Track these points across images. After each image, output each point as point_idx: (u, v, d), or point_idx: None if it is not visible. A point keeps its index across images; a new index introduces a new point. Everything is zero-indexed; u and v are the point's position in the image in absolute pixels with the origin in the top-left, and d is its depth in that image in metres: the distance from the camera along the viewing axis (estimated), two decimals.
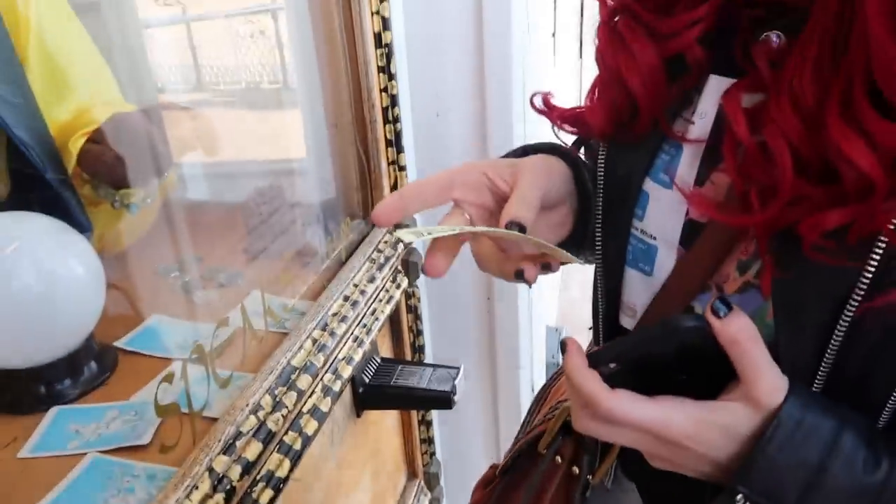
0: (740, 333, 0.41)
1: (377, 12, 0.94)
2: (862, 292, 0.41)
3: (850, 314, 0.41)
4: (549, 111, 0.60)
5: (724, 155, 0.45)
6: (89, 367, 0.76)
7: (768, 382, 0.42)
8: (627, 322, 0.58)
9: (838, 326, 0.42)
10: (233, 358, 0.76)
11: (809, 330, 0.43)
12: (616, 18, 0.52)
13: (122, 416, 0.71)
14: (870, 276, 0.40)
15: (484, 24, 1.13)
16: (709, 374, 0.44)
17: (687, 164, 0.50)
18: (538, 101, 0.61)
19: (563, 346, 0.46)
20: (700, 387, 0.44)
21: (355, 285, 0.91)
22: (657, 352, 0.44)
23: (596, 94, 0.55)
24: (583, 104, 0.58)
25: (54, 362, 0.72)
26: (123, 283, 0.92)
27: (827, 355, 0.43)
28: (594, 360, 0.46)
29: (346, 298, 0.88)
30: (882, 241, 0.40)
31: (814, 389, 0.44)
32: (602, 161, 0.55)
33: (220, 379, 0.69)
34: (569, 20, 1.77)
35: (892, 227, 0.39)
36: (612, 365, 0.45)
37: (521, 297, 1.39)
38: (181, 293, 0.98)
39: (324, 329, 0.81)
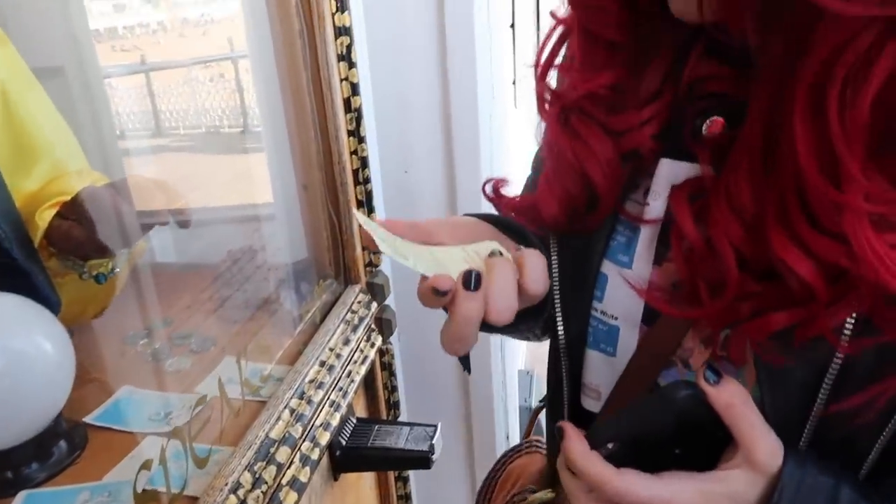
0: (734, 398, 0.43)
1: (346, 79, 0.96)
2: (836, 371, 0.43)
3: (833, 377, 0.43)
4: (499, 201, 0.60)
5: (672, 248, 0.47)
6: (58, 448, 0.74)
7: (767, 445, 0.44)
8: (590, 404, 0.58)
9: (823, 385, 0.44)
10: (210, 431, 0.74)
11: (794, 392, 0.45)
12: (568, 115, 0.53)
13: (94, 498, 0.69)
14: (840, 361, 0.42)
15: (450, 83, 1.16)
16: (705, 445, 0.45)
17: (645, 246, 0.52)
18: (489, 190, 0.61)
19: (560, 431, 0.47)
20: (697, 458, 0.45)
21: (331, 349, 0.91)
22: (656, 425, 0.44)
23: (547, 185, 0.55)
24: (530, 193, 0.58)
25: (21, 445, 0.70)
26: (92, 355, 0.90)
27: (813, 414, 0.45)
28: (592, 441, 0.46)
29: (323, 363, 0.88)
30: (838, 355, 0.42)
31: (801, 446, 0.46)
32: (556, 246, 0.56)
33: (199, 458, 0.68)
34: (528, 71, 1.82)
35: (845, 333, 0.41)
36: (611, 445, 0.46)
37: (492, 343, 1.40)
38: (151, 362, 0.97)
39: (301, 397, 0.81)
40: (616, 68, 0.50)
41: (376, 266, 1.08)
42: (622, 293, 0.53)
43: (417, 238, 0.48)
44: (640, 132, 0.50)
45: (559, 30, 0.54)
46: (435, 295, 0.43)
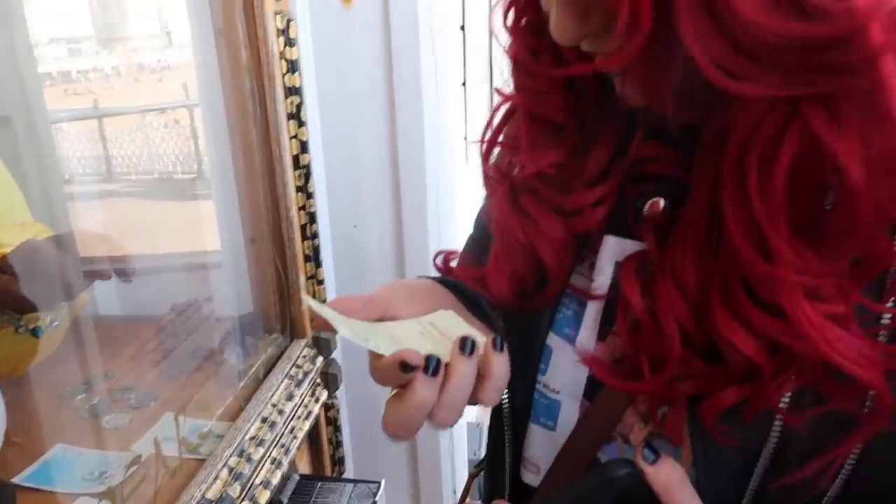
0: (671, 477, 0.41)
1: (295, 136, 0.98)
2: (770, 454, 0.43)
3: (770, 453, 0.43)
4: (449, 273, 0.60)
5: (618, 322, 0.48)
6: None
7: None
8: (530, 478, 0.57)
9: (759, 463, 0.44)
10: (144, 492, 0.73)
11: (732, 472, 0.45)
12: (517, 194, 0.53)
13: None
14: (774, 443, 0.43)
15: (398, 140, 1.19)
16: None
17: (590, 320, 0.52)
18: (440, 262, 0.61)
19: None
20: None
21: (273, 405, 0.90)
22: (596, 503, 0.44)
23: (496, 264, 0.54)
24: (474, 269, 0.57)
25: None
26: (26, 410, 0.88)
27: (749, 492, 0.45)
28: None
29: (265, 420, 0.87)
30: (779, 425, 0.42)
31: None
32: (502, 315, 0.54)
33: None
34: (479, 126, 1.88)
35: (783, 405, 0.42)
36: None
37: None
38: (89, 417, 0.94)
39: (241, 455, 0.80)
40: (563, 148, 0.50)
41: None
42: (565, 367, 0.52)
43: (374, 315, 0.45)
44: (592, 213, 0.50)
45: (505, 107, 0.55)
46: (402, 370, 0.40)
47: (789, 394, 0.42)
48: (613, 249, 0.51)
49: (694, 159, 0.44)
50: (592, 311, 0.52)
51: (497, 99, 0.56)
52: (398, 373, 0.41)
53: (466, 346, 0.42)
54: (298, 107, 0.98)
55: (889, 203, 0.36)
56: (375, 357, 0.43)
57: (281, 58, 0.95)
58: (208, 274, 1.36)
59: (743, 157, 0.38)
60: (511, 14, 0.51)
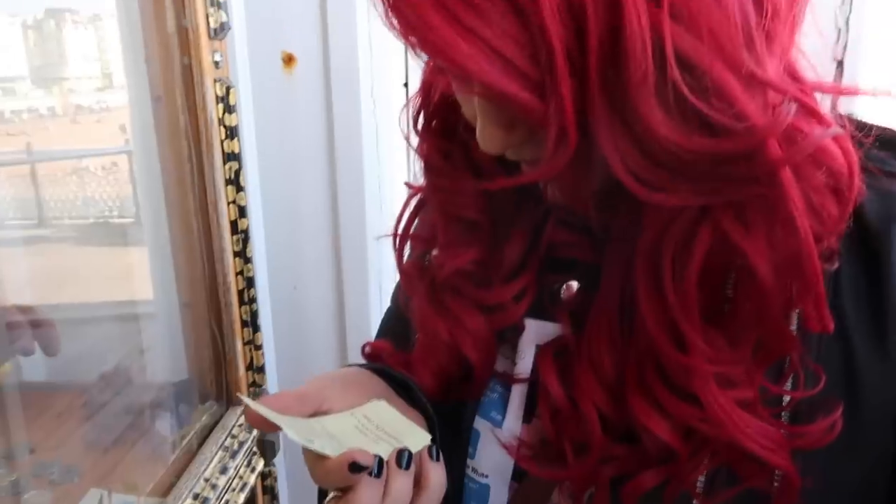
0: None
1: (233, 201, 0.97)
2: None
3: None
4: (377, 362, 0.59)
5: (539, 408, 0.49)
6: None
7: None
8: None
9: None
10: None
11: None
12: (439, 292, 0.53)
13: None
14: None
15: (339, 202, 1.20)
16: None
17: (515, 404, 0.52)
18: (368, 351, 0.61)
19: None
20: None
21: (206, 479, 0.87)
22: None
23: (421, 358, 0.54)
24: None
25: None
26: None
27: None
28: None
29: (196, 496, 0.84)
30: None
31: None
32: (425, 401, 0.54)
33: None
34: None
35: (699, 487, 0.43)
36: None
37: None
38: (8, 495, 0.90)
39: None
40: (479, 245, 0.51)
41: (260, 386, 1.06)
42: (493, 450, 0.52)
43: (309, 410, 0.45)
44: (515, 308, 0.51)
45: (416, 199, 0.56)
46: (351, 471, 0.40)
47: (703, 476, 0.43)
48: (534, 333, 0.52)
49: (605, 247, 0.47)
50: (517, 394, 0.52)
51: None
52: (345, 474, 0.41)
53: (403, 459, 0.42)
54: (237, 172, 0.98)
55: (794, 296, 0.39)
56: (317, 458, 0.42)
57: (220, 124, 0.95)
58: (141, 333, 1.32)
59: (656, 254, 0.40)
60: (421, 117, 0.52)
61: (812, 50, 1.11)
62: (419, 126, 0.53)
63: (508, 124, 0.40)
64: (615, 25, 0.32)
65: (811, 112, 0.36)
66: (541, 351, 0.50)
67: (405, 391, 0.53)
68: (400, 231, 0.57)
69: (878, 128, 0.44)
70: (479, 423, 0.54)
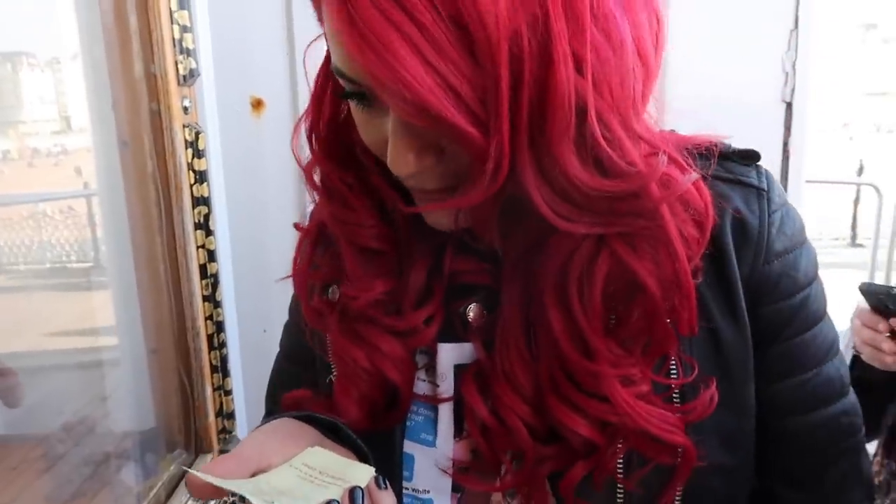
0: None
1: (203, 246, 0.97)
2: None
3: None
4: (295, 408, 0.58)
5: (468, 425, 0.52)
6: None
7: None
8: None
9: None
10: None
11: None
12: (352, 324, 0.54)
13: None
14: None
15: None
16: None
17: (445, 423, 0.55)
18: (290, 404, 0.60)
19: None
20: None
21: None
22: None
23: (343, 392, 0.55)
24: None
25: None
26: None
27: None
28: None
29: None
30: (620, 487, 0.50)
31: None
32: (355, 438, 0.55)
33: None
34: None
35: (619, 472, 0.50)
36: None
37: None
38: None
39: None
40: (387, 275, 0.53)
41: (230, 432, 1.04)
42: (430, 469, 0.55)
43: (250, 471, 0.45)
44: (426, 331, 0.53)
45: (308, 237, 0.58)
46: None
47: (620, 460, 0.50)
48: (449, 354, 0.55)
49: (501, 273, 0.51)
50: (445, 414, 0.55)
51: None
52: None
53: (357, 497, 0.44)
54: (206, 216, 0.98)
55: (675, 306, 0.47)
56: None
57: (189, 169, 0.95)
58: (104, 380, 1.28)
59: (562, 278, 0.47)
60: (316, 146, 0.53)
61: (762, 92, 1.16)
62: (314, 149, 0.54)
63: (420, 149, 0.43)
64: (546, 85, 0.38)
65: (675, 161, 0.45)
66: (462, 377, 0.53)
67: (333, 433, 0.53)
68: (298, 271, 0.58)
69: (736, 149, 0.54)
70: (410, 447, 0.56)
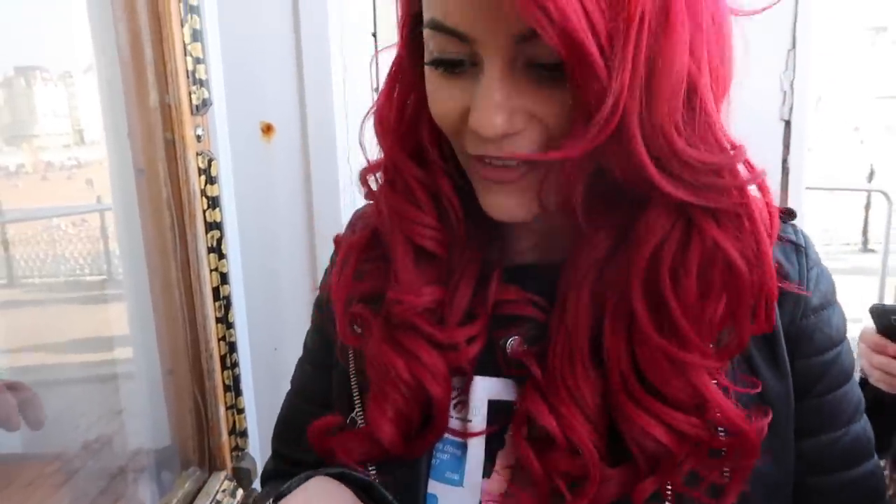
0: None
1: (215, 269, 1.00)
2: None
3: None
4: (325, 446, 0.56)
5: (527, 461, 0.50)
6: None
7: None
8: None
9: None
10: None
11: None
12: (395, 333, 0.53)
13: None
14: None
15: (318, 261, 1.22)
16: None
17: (475, 459, 0.53)
18: (319, 427, 0.57)
19: None
20: None
21: None
22: None
23: (377, 410, 0.53)
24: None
25: None
26: None
27: None
28: None
29: None
30: None
31: None
32: (375, 479, 0.53)
33: None
34: None
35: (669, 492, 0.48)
36: None
37: None
38: None
39: None
40: (438, 283, 0.52)
41: (243, 450, 1.07)
42: None
43: None
44: (467, 350, 0.52)
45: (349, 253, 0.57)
46: None
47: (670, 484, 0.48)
48: (484, 389, 0.54)
49: (553, 300, 0.51)
50: (476, 450, 0.53)
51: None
52: None
53: None
54: (219, 241, 1.01)
55: (758, 293, 0.47)
56: None
57: (202, 195, 0.98)
58: (121, 404, 1.31)
59: (655, 265, 0.46)
60: (387, 138, 0.53)
61: (761, 111, 1.18)
62: (384, 142, 0.53)
63: (512, 111, 0.43)
64: (662, 43, 0.40)
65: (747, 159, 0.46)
66: (526, 390, 0.51)
67: (365, 491, 0.52)
68: (341, 282, 0.56)
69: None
70: (434, 487, 0.54)
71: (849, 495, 0.54)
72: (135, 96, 0.97)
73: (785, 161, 1.23)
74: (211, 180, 0.99)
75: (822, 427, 0.54)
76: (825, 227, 6.59)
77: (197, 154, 0.97)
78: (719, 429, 0.48)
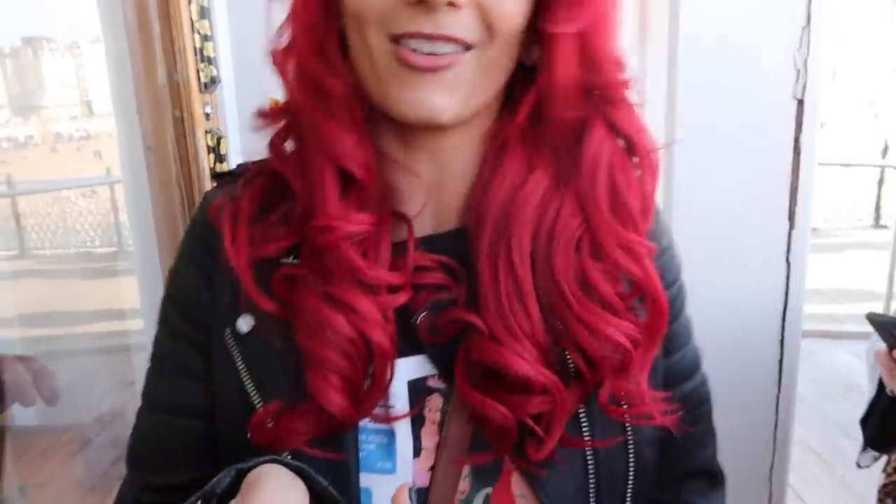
0: None
1: None
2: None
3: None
4: (266, 432, 0.50)
5: (492, 410, 0.48)
6: None
7: None
8: None
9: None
10: None
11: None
12: (328, 283, 0.49)
13: None
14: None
15: None
16: None
17: (405, 442, 0.51)
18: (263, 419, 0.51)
19: None
20: None
21: None
22: None
23: (319, 379, 0.48)
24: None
25: None
26: None
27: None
28: None
29: None
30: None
31: None
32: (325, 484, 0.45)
33: None
34: None
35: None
36: None
37: None
38: None
39: None
40: (367, 210, 0.49)
41: None
42: (387, 498, 0.50)
43: None
44: (392, 298, 0.49)
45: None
46: None
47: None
48: (401, 371, 0.51)
49: (486, 234, 0.50)
50: (404, 433, 0.51)
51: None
52: None
53: None
54: None
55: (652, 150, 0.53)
56: None
57: (211, 172, 0.98)
58: (131, 363, 1.33)
59: (592, 176, 0.50)
60: (304, 38, 0.49)
61: (774, 89, 1.16)
62: (298, 43, 0.49)
63: None
64: None
65: None
66: (471, 343, 0.50)
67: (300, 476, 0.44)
68: (236, 248, 0.50)
69: None
70: (367, 480, 0.51)
71: (692, 400, 0.60)
72: (143, 73, 0.97)
73: (797, 140, 1.22)
74: (220, 158, 0.99)
75: (672, 349, 0.59)
76: (837, 202, 6.53)
77: (206, 132, 0.98)
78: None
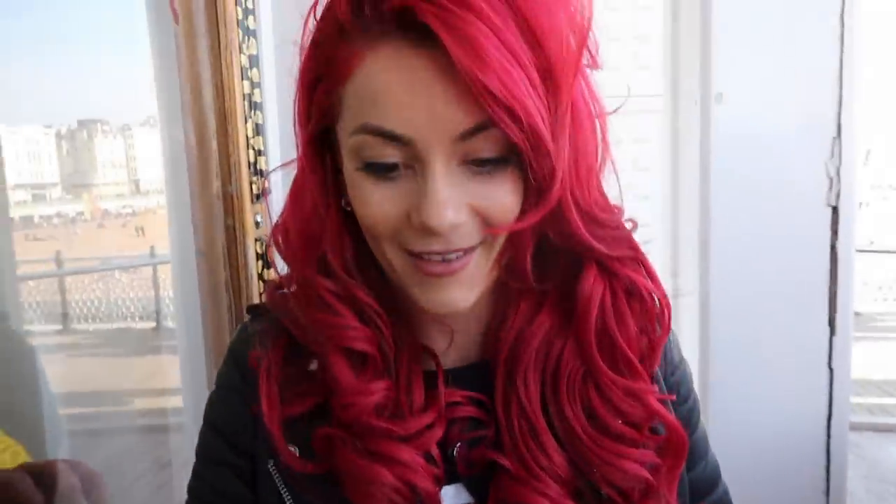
0: None
1: None
2: None
3: None
4: None
5: None
6: None
7: None
8: None
9: None
10: None
11: None
12: (363, 442, 0.52)
13: None
14: None
15: None
16: None
17: None
18: None
19: None
20: None
21: None
22: None
23: None
24: None
25: None
26: None
27: None
28: None
29: None
30: None
31: None
32: None
33: None
34: None
35: None
36: None
37: None
38: None
39: None
40: (381, 378, 0.52)
41: None
42: None
43: None
44: (430, 435, 0.52)
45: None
46: None
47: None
48: (447, 500, 0.54)
49: (502, 375, 0.54)
50: None
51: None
52: None
53: None
54: None
55: (661, 298, 0.56)
56: None
57: (259, 279, 1.02)
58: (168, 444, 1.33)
59: (602, 319, 0.53)
60: (296, 255, 0.54)
61: (806, 196, 1.17)
62: (293, 259, 0.55)
63: (458, 205, 0.46)
64: (581, 125, 0.49)
65: None
66: (499, 482, 0.53)
67: None
68: (269, 406, 0.54)
69: None
70: None
71: None
72: (198, 187, 1.03)
73: (833, 247, 1.22)
74: (267, 265, 1.03)
75: (694, 461, 0.61)
76: (880, 284, 6.35)
77: (255, 240, 1.02)
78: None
